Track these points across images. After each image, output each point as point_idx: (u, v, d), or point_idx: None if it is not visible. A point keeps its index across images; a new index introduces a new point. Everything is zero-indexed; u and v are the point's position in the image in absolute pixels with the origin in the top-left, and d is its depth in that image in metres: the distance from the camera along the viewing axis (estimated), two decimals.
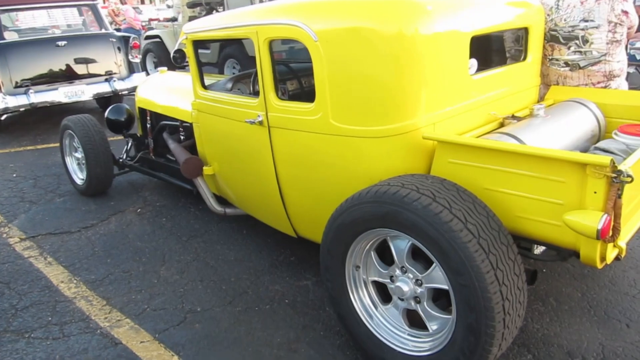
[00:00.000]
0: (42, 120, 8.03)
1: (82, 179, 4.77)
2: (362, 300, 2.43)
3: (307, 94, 3.51)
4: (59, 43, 7.22)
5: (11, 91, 6.88)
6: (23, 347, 2.75)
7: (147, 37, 11.42)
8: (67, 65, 7.30)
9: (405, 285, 2.24)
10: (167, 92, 4.40)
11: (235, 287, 3.19)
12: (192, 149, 3.86)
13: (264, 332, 2.76)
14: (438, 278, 2.12)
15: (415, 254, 2.21)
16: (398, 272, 2.27)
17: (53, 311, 3.05)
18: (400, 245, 2.23)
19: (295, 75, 3.79)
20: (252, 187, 3.23)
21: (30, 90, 6.94)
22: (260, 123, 2.84)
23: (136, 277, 3.37)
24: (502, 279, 1.92)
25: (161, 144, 4.48)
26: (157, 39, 11.05)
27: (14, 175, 5.63)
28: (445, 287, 2.08)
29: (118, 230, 4.09)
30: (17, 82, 6.94)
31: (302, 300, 3.02)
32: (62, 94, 7.17)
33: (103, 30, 7.87)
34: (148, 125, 4.58)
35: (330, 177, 2.62)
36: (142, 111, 4.68)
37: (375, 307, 2.43)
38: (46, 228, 4.20)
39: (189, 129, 3.93)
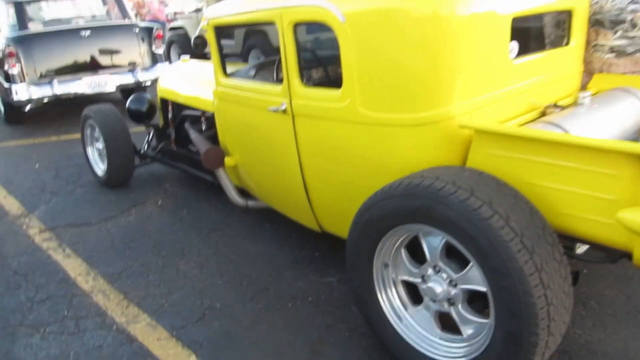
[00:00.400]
0: (67, 112, 8.03)
1: (103, 170, 4.70)
2: (391, 301, 2.28)
3: (333, 81, 3.36)
4: (83, 33, 7.18)
5: (35, 82, 6.87)
6: (37, 341, 2.66)
7: (172, 29, 11.45)
8: (91, 56, 7.26)
9: (438, 285, 2.08)
10: (188, 81, 4.29)
11: (256, 283, 3.06)
12: (214, 139, 3.74)
13: (286, 331, 2.62)
14: (475, 279, 1.94)
15: (450, 252, 2.05)
16: (430, 271, 2.11)
17: (69, 305, 2.96)
18: (434, 242, 2.06)
19: (320, 60, 3.63)
20: (274, 179, 3.09)
21: (54, 81, 6.93)
22: (284, 111, 2.70)
23: (155, 271, 3.27)
24: (547, 282, 1.75)
25: (183, 135, 4.38)
26: (182, 30, 11.06)
27: (37, 166, 5.60)
28: (482, 289, 1.92)
29: (138, 222, 4.00)
30: (41, 73, 6.93)
31: (325, 298, 2.87)
32: (85, 84, 7.13)
33: (127, 21, 7.82)
34: (170, 116, 4.48)
35: (358, 168, 2.46)
36: (164, 101, 4.58)
37: (405, 309, 2.27)
38: (66, 219, 4.14)
39: (210, 119, 3.81)
